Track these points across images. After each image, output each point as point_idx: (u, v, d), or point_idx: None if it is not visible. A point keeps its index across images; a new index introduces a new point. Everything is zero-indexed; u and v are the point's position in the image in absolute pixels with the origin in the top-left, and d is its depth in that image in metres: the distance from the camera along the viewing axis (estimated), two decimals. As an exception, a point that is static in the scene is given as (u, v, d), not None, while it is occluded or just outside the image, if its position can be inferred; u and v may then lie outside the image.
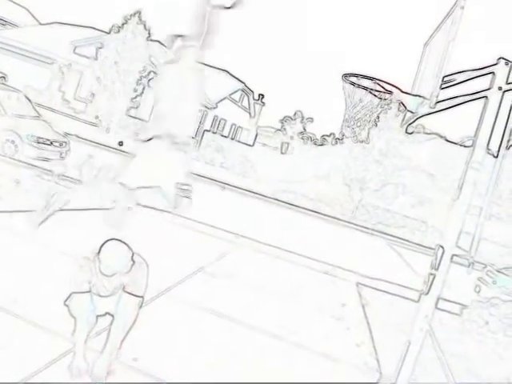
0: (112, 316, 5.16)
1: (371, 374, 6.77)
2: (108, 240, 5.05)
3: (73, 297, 5.02)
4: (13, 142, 13.24)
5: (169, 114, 6.00)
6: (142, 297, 5.18)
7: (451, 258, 5.44)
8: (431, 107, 5.27)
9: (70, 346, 5.11)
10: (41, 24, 22.79)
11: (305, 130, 22.54)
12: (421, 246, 19.11)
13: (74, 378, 4.90)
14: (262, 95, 22.89)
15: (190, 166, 6.14)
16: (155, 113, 5.91)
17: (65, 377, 4.88)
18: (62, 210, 9.97)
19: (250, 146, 23.09)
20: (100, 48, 21.04)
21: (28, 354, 5.04)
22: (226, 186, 19.18)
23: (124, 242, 5.06)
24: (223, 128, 23.51)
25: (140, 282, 5.18)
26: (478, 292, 13.31)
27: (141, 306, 5.19)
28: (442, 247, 5.46)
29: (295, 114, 22.45)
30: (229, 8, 6.86)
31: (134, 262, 5.09)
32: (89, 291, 5.07)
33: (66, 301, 5.02)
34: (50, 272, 6.73)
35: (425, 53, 6.45)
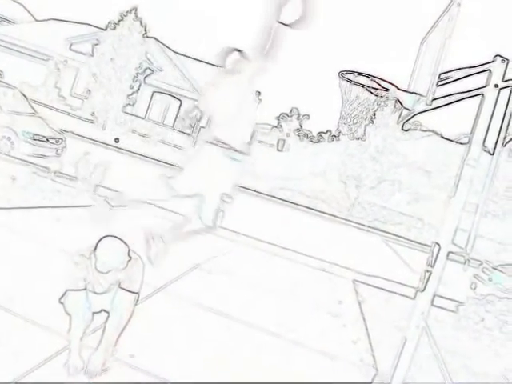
0: (108, 313, 5.15)
1: (367, 370, 6.78)
2: (104, 237, 5.04)
3: (68, 294, 5.01)
4: (9, 138, 13.21)
5: (225, 123, 5.98)
6: (137, 293, 5.17)
7: (447, 255, 5.45)
8: (427, 104, 5.27)
9: (66, 344, 5.10)
10: (37, 20, 22.73)
11: (301, 126, 22.53)
12: (417, 243, 19.12)
13: (71, 375, 4.90)
14: (259, 92, 22.89)
15: (238, 179, 6.12)
16: (212, 121, 5.88)
17: (61, 374, 4.88)
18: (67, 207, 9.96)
19: (246, 143, 23.06)
20: (96, 44, 21.00)
21: (24, 351, 5.03)
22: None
23: (120, 239, 5.05)
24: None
25: (135, 278, 5.17)
26: (474, 289, 13.33)
27: (136, 303, 5.19)
28: (438, 244, 5.47)
29: (291, 110, 22.44)
30: (289, 26, 6.88)
31: (130, 257, 5.08)
32: (84, 289, 5.07)
33: (61, 298, 5.02)
34: (47, 270, 6.73)
35: (421, 50, 6.45)
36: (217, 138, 6.10)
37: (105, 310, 5.16)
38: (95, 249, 5.00)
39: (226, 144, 6.04)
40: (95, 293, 5.11)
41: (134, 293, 5.14)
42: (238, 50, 6.92)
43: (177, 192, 6.15)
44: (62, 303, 5.01)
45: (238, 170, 6.05)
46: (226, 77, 6.20)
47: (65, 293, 5.01)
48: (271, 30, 6.95)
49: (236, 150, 6.05)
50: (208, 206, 6.11)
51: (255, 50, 7.06)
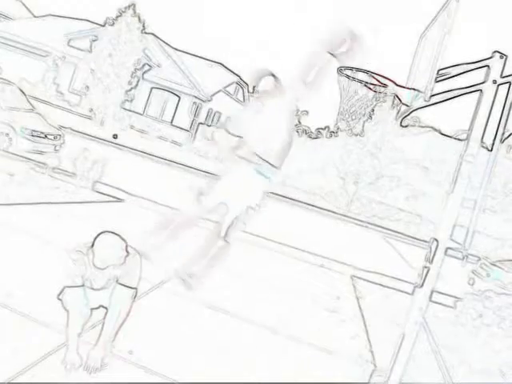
0: (106, 308, 5.16)
1: (365, 366, 6.79)
2: (101, 233, 5.04)
3: (66, 291, 5.01)
4: (7, 134, 13.20)
5: (262, 140, 6.00)
6: (135, 288, 5.18)
7: (445, 251, 5.46)
8: (426, 100, 5.28)
9: (64, 340, 5.11)
10: (35, 16, 22.69)
11: (299, 122, 22.52)
12: (415, 238, 19.14)
13: (69, 371, 4.90)
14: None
15: (266, 193, 6.12)
16: (249, 136, 5.91)
17: (59, 370, 4.88)
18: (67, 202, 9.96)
19: (244, 139, 23.05)
20: (94, 40, 20.97)
21: (22, 347, 5.03)
22: (221, 179, 19.11)
23: (117, 234, 5.05)
24: (218, 121, 23.49)
25: (133, 274, 5.17)
26: (472, 285, 13.35)
27: (134, 298, 5.19)
28: (436, 240, 5.47)
29: (290, 107, 22.40)
30: (336, 57, 6.87)
31: (127, 253, 5.08)
32: (82, 285, 5.07)
33: (59, 295, 5.02)
34: (46, 266, 6.73)
35: (420, 46, 6.45)
36: (250, 155, 6.12)
37: (103, 306, 5.17)
38: (92, 245, 5.00)
39: (258, 160, 6.07)
40: (93, 289, 5.11)
41: (132, 288, 5.15)
42: (273, 75, 6.95)
43: (204, 207, 6.19)
44: (60, 300, 5.02)
45: (267, 185, 6.08)
46: (262, 99, 6.23)
47: (63, 289, 5.01)
48: (317, 60, 6.98)
49: (267, 166, 6.07)
50: (229, 217, 6.13)
51: (297, 77, 7.09)
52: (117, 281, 5.11)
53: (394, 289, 11.01)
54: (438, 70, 5.16)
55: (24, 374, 4.66)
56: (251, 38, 20.91)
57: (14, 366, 4.69)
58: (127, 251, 5.08)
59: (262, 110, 6.19)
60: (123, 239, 5.05)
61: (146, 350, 5.54)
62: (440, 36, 5.10)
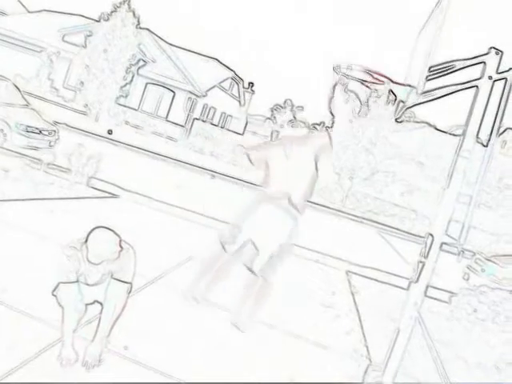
0: (101, 304, 5.16)
1: (361, 361, 6.81)
2: (95, 228, 5.03)
3: (60, 287, 5.01)
4: (1, 130, 13.17)
5: (289, 180, 6.04)
6: (130, 283, 5.18)
7: (440, 246, 5.47)
8: (422, 96, 5.28)
9: (59, 336, 5.11)
10: (29, 12, 22.65)
11: (295, 118, 22.52)
12: (410, 234, 19.20)
13: (64, 367, 4.90)
14: (252, 83, 22.87)
15: (296, 236, 6.13)
16: (270, 178, 5.97)
17: (54, 365, 4.88)
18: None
19: (239, 134, 23.08)
20: (89, 36, 20.93)
21: (17, 343, 5.03)
22: (216, 174, 19.17)
23: (110, 229, 5.05)
24: (213, 116, 23.49)
25: (128, 268, 5.17)
26: (467, 280, 13.40)
27: (129, 293, 5.19)
28: (431, 235, 5.48)
29: (285, 102, 22.44)
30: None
31: (121, 248, 5.08)
32: (76, 281, 5.06)
33: (53, 291, 5.01)
34: (40, 261, 6.72)
35: (416, 42, 6.45)
36: (275, 195, 6.15)
37: (98, 301, 5.17)
38: (86, 240, 4.99)
39: (283, 201, 6.10)
40: (88, 284, 5.11)
41: (126, 283, 5.15)
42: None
43: (233, 251, 6.23)
44: (54, 296, 5.02)
45: (293, 227, 6.10)
46: (290, 140, 6.28)
47: (57, 285, 5.01)
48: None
49: (292, 208, 6.10)
50: (262, 256, 6.15)
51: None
52: (111, 276, 5.11)
53: (389, 284, 11.03)
54: (432, 66, 5.17)
55: (19, 370, 4.66)
56: (246, 33, 20.90)
57: (9, 362, 4.69)
58: (121, 246, 5.07)
59: (290, 152, 6.23)
60: (117, 234, 5.04)
61: (142, 346, 5.54)
62: (436, 32, 5.10)
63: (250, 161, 6.49)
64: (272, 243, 6.12)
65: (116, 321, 5.13)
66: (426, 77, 5.27)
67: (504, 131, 20.03)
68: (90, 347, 5.04)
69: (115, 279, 5.11)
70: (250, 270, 6.23)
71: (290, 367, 6.08)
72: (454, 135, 19.53)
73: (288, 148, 6.24)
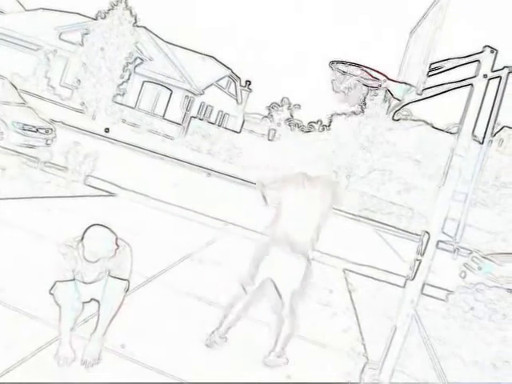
0: (97, 301, 5.16)
1: (358, 358, 6.83)
2: (91, 226, 5.03)
3: (57, 285, 5.01)
4: (-2, 128, 13.17)
5: (292, 223, 6.06)
6: (127, 280, 5.18)
7: (437, 244, 5.48)
8: (418, 94, 5.29)
9: (57, 334, 5.11)
10: (26, 10, 22.61)
11: (292, 116, 22.55)
12: (407, 232, 19.22)
13: (62, 366, 4.91)
14: (249, 82, 22.86)
15: (310, 274, 6.13)
16: (281, 218, 6.03)
17: (52, 364, 4.88)
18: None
19: (237, 132, 23.09)
20: (86, 34, 20.91)
21: (15, 341, 5.04)
22: (213, 172, 19.17)
23: (107, 227, 5.05)
24: (210, 115, 23.48)
25: (124, 266, 5.17)
26: (464, 278, 13.43)
27: (127, 290, 5.20)
28: (427, 233, 5.50)
29: (282, 100, 22.44)
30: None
31: (118, 246, 5.08)
32: (73, 279, 5.06)
33: (51, 290, 5.02)
34: (38, 260, 6.72)
35: (411, 40, 6.47)
36: (280, 238, 6.17)
37: (95, 299, 5.17)
38: (82, 238, 4.99)
39: (286, 247, 6.11)
40: (84, 282, 5.11)
41: (124, 280, 5.15)
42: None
43: (250, 290, 6.25)
44: (52, 294, 5.02)
45: (306, 266, 6.11)
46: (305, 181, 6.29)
47: (54, 284, 5.01)
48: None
49: (298, 251, 6.11)
50: (285, 294, 6.16)
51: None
52: (109, 273, 5.11)
53: (386, 282, 11.06)
54: (430, 64, 5.18)
55: (17, 368, 4.66)
56: (243, 31, 20.89)
57: (6, 361, 4.70)
58: (117, 244, 5.07)
59: (302, 194, 6.25)
60: (113, 232, 5.04)
61: (139, 344, 5.55)
62: (431, 30, 5.11)
63: (265, 201, 6.51)
64: (290, 282, 6.13)
65: (113, 319, 5.14)
66: (427, 74, 5.28)
67: (501, 129, 20.06)
68: (89, 346, 5.05)
69: (112, 277, 5.11)
70: (277, 313, 6.25)
71: (287, 365, 6.10)
72: (450, 133, 19.55)
73: (301, 189, 6.24)
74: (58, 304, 5.03)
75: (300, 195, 6.23)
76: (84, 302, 5.18)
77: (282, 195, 6.31)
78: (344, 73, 5.85)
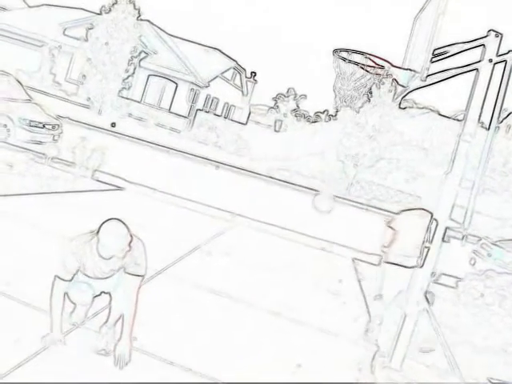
0: (109, 294, 5.17)
1: (368, 347, 6.83)
2: (107, 221, 4.96)
3: (56, 280, 5.01)
4: (5, 125, 13.20)
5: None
6: (143, 276, 5.17)
7: (445, 231, 5.48)
8: (422, 80, 5.27)
9: (65, 327, 5.14)
10: (29, 6, 22.63)
11: (298, 107, 22.50)
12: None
13: (48, 348, 4.91)
14: (255, 73, 22.82)
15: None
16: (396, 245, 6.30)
17: (61, 358, 4.91)
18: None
19: (243, 124, 23.07)
20: (90, 29, 20.90)
21: (23, 334, 5.06)
22: (220, 165, 19.18)
23: (122, 222, 5.00)
24: (216, 107, 23.46)
25: (140, 262, 5.14)
26: (474, 265, 13.40)
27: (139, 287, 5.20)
28: (435, 220, 5.49)
29: (288, 91, 22.40)
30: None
31: (131, 243, 5.05)
32: (73, 277, 5.04)
33: (53, 286, 5.02)
34: (45, 255, 6.74)
35: (415, 26, 6.44)
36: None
37: (105, 292, 5.18)
38: (98, 232, 4.94)
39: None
40: (95, 278, 5.10)
41: (140, 276, 5.13)
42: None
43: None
44: (66, 293, 5.05)
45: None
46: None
47: (55, 280, 5.02)
48: None
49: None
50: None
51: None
52: (124, 270, 5.08)
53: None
54: (434, 50, 5.15)
55: (26, 364, 4.69)
56: (248, 22, 20.85)
57: (16, 355, 4.72)
58: (131, 239, 5.03)
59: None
60: (127, 227, 4.99)
61: (150, 336, 5.57)
62: (435, 16, 5.09)
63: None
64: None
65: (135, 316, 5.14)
66: (431, 59, 5.26)
67: (508, 115, 19.96)
68: (119, 346, 5.03)
69: (128, 273, 5.09)
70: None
71: (297, 355, 6.11)
72: (457, 120, 19.46)
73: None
74: (70, 300, 5.08)
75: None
76: (94, 296, 5.20)
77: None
78: (348, 61, 5.85)
